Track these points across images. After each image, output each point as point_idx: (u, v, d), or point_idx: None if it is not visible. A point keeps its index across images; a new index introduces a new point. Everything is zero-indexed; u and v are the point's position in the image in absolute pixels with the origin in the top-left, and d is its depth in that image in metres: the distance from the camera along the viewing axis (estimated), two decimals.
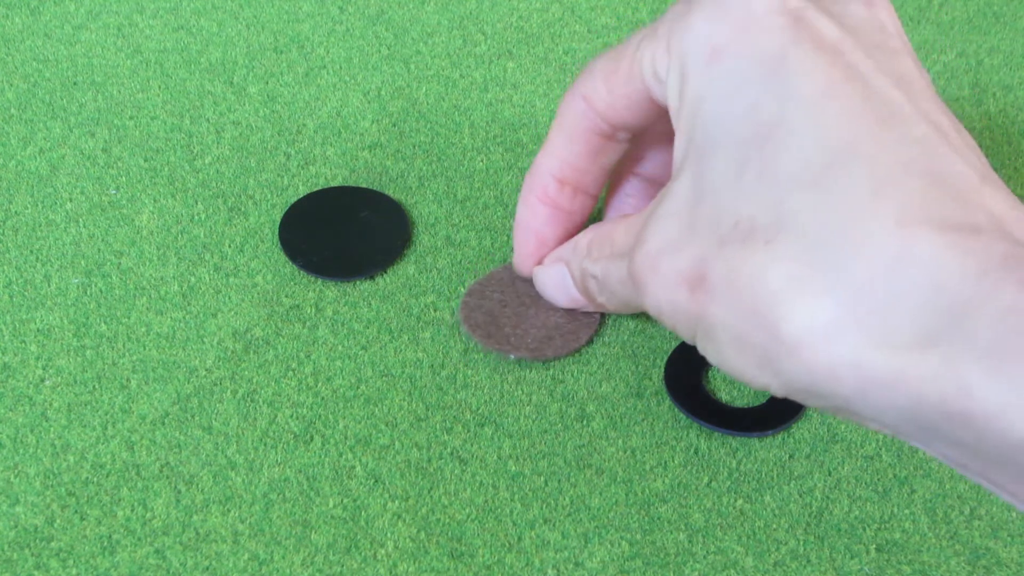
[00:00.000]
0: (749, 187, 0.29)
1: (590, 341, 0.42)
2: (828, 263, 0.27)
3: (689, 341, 0.32)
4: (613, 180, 0.43)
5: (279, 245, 0.44)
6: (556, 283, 0.41)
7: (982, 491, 0.38)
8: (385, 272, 0.44)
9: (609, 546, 0.37)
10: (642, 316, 0.43)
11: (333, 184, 0.47)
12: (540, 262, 0.42)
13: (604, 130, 0.38)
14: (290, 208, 0.45)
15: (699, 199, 0.31)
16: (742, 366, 0.30)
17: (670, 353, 0.41)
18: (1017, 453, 0.25)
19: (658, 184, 0.42)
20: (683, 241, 0.31)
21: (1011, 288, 0.25)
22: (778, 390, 0.29)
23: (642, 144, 0.41)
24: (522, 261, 0.42)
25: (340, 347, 0.42)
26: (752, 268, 0.28)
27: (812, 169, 0.28)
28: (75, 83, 0.51)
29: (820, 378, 0.27)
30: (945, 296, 0.26)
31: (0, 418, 0.39)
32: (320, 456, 0.39)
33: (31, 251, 0.44)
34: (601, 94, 0.37)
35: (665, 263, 0.31)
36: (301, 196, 0.46)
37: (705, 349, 0.31)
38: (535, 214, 0.40)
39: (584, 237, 0.39)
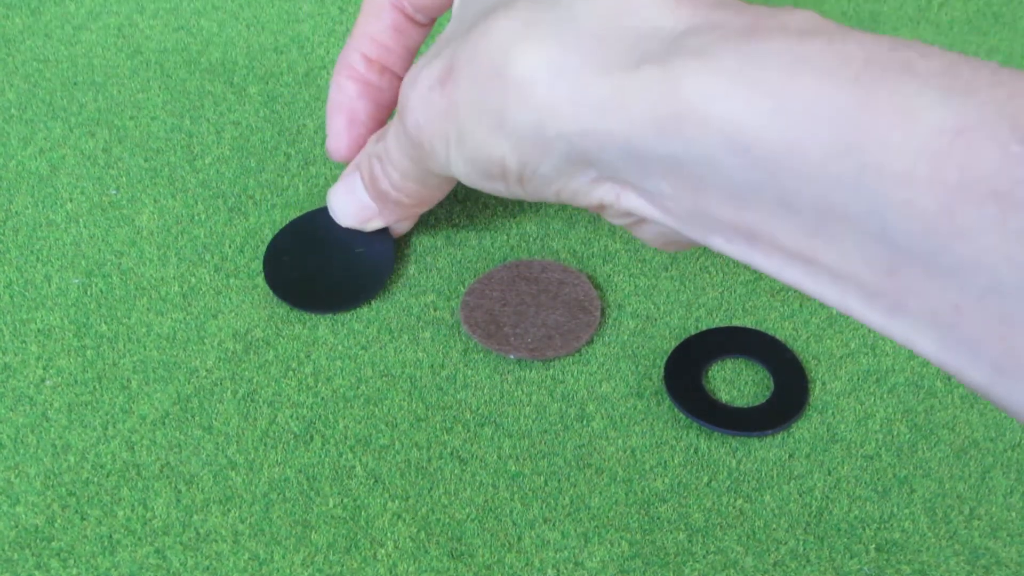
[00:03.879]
0: None
1: (590, 341, 0.42)
2: (555, 14, 0.30)
3: (443, 164, 0.34)
4: None
5: (265, 282, 0.43)
6: (345, 192, 0.42)
7: (982, 491, 0.38)
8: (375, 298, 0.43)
9: (609, 546, 0.37)
10: (641, 316, 0.43)
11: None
12: (354, 143, 0.43)
13: (406, 9, 0.41)
14: (272, 242, 0.44)
15: (460, 19, 0.33)
16: (481, 140, 0.32)
17: (670, 353, 0.41)
18: (722, 147, 0.26)
19: None
20: (439, 50, 0.33)
21: (717, 14, 0.28)
22: (511, 155, 0.31)
23: None
24: (335, 140, 0.43)
25: (340, 347, 0.42)
26: (489, 32, 0.31)
27: None
28: (75, 83, 0.51)
29: (545, 117, 0.29)
30: (660, 32, 0.28)
31: (1, 418, 0.39)
32: (320, 456, 0.39)
33: (31, 251, 0.44)
34: None
35: (422, 74, 0.33)
36: (283, 227, 0.45)
37: (457, 156, 0.33)
38: (345, 91, 0.43)
39: (372, 136, 0.41)
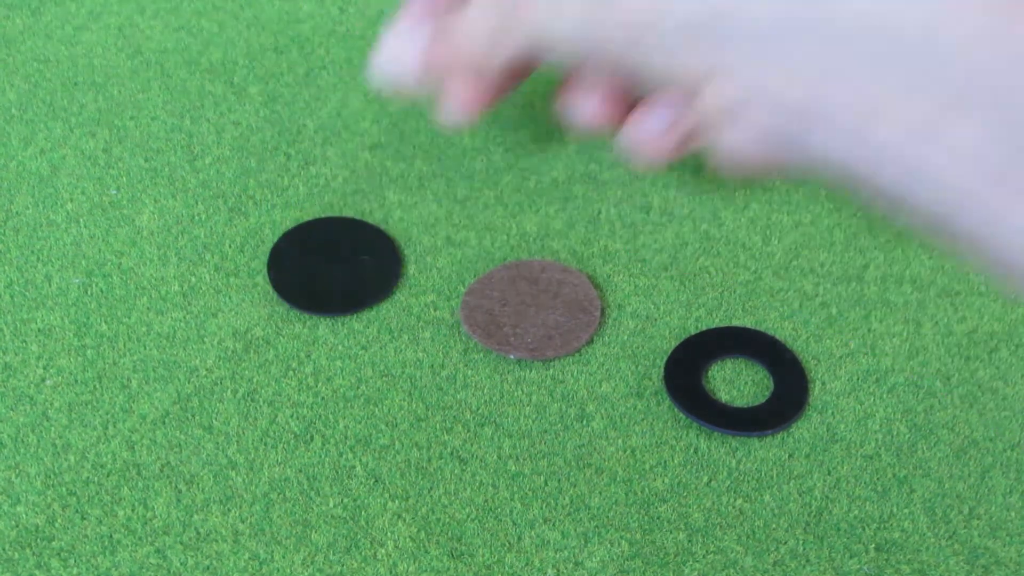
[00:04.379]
0: None
1: (590, 341, 0.42)
2: None
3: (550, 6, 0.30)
4: None
5: (270, 283, 0.43)
6: (408, 42, 0.35)
7: (981, 491, 0.38)
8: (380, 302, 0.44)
9: (609, 545, 0.37)
10: (641, 316, 0.43)
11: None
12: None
13: None
14: (278, 241, 0.44)
15: None
16: None
17: (670, 353, 0.41)
18: (860, 27, 0.26)
19: None
20: None
21: None
22: (640, 4, 0.29)
23: None
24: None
25: (340, 347, 0.42)
26: None
27: None
28: (76, 83, 0.51)
29: None
30: None
31: (1, 418, 0.39)
32: (320, 456, 0.39)
33: (32, 251, 0.44)
34: None
35: None
36: (290, 228, 0.45)
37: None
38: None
39: None
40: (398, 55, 0.36)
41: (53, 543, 0.36)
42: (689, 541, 0.37)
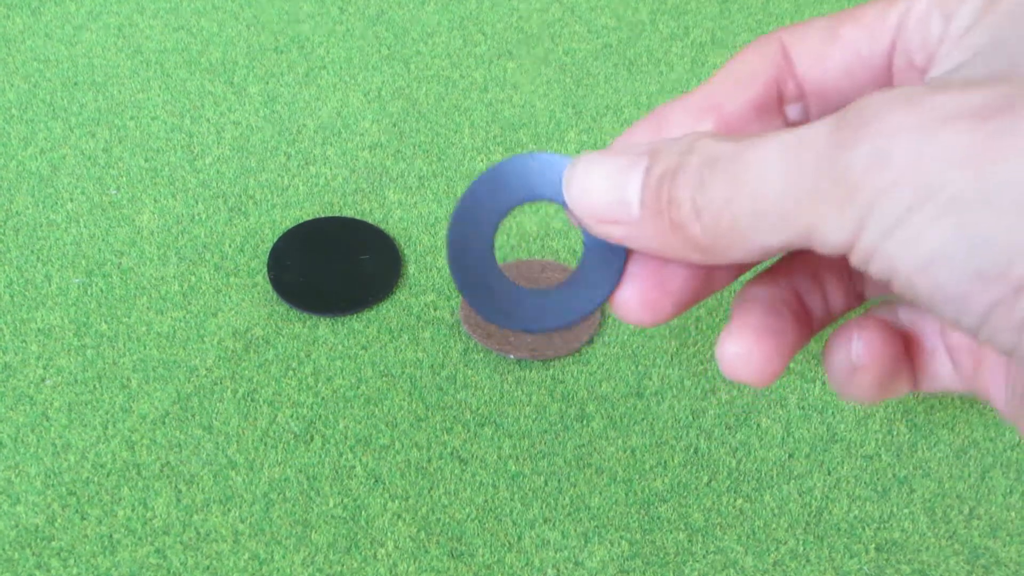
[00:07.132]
0: None
1: (590, 341, 0.42)
2: None
3: (882, 230, 0.20)
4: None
5: (270, 285, 0.43)
6: (613, 173, 0.26)
7: (981, 491, 0.38)
8: (382, 301, 0.44)
9: (609, 545, 0.37)
10: None
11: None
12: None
13: (786, 92, 0.28)
14: (278, 241, 0.45)
15: (1000, 49, 0.22)
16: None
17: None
18: None
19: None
20: (976, 80, 0.21)
21: None
22: None
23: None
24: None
25: (340, 347, 0.42)
26: None
27: None
28: (76, 83, 0.51)
29: None
30: None
31: (1, 417, 0.39)
32: (320, 456, 0.39)
33: (32, 251, 0.44)
34: (812, 46, 0.27)
35: (944, 99, 0.21)
36: (290, 228, 0.45)
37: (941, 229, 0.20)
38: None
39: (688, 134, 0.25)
40: (595, 191, 0.27)
41: (53, 543, 0.36)
42: (689, 541, 0.37)
